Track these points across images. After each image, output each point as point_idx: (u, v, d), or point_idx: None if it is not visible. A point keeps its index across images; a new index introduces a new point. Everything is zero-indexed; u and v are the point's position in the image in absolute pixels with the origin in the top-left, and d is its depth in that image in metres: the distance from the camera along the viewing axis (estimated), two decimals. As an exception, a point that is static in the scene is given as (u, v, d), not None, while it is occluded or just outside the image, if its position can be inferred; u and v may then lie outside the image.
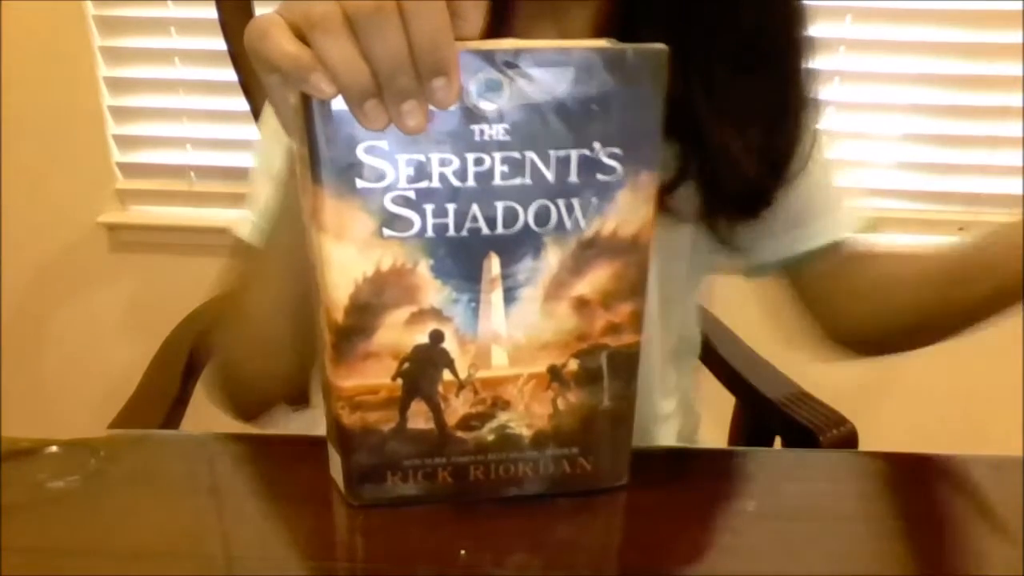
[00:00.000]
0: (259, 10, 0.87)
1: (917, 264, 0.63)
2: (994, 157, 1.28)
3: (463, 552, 0.40)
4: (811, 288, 0.67)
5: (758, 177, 0.56)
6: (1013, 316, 0.57)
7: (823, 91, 0.59)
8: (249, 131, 0.90)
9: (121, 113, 1.33)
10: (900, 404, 1.35)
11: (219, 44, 0.85)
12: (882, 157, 1.30)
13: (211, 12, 0.86)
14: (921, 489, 0.47)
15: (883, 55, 1.25)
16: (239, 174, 1.30)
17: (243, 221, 0.63)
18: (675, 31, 0.47)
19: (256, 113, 0.88)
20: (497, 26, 0.46)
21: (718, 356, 0.87)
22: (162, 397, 0.74)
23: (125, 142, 1.35)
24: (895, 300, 0.64)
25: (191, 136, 1.34)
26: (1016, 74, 1.22)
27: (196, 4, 1.24)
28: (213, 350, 0.59)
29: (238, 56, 0.85)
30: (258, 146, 0.64)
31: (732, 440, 0.88)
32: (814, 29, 0.56)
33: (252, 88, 0.86)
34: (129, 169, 1.36)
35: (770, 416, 0.77)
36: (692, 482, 0.48)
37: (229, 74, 0.86)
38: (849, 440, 0.71)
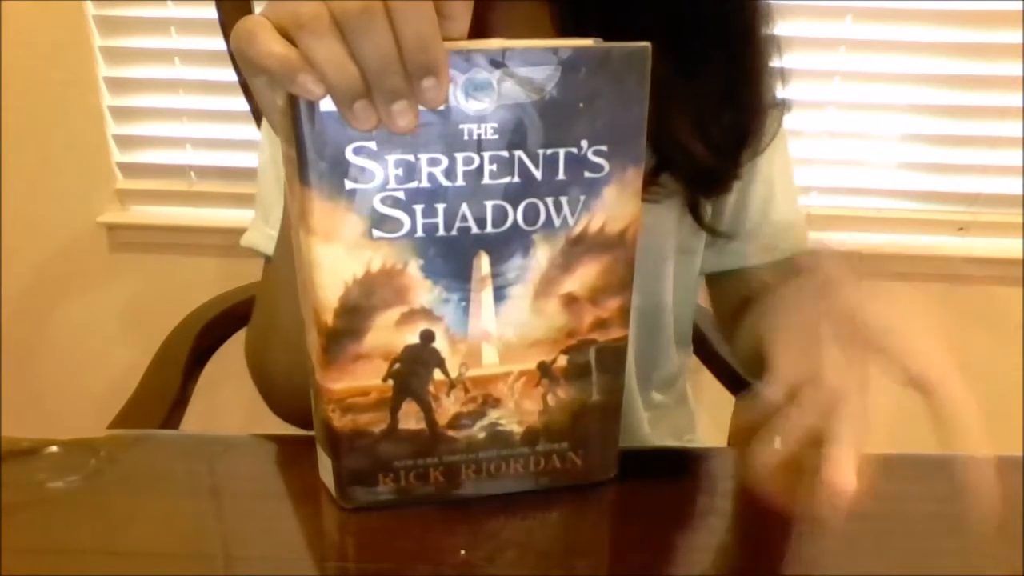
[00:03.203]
0: (259, 10, 0.87)
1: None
2: (994, 157, 1.28)
3: (463, 552, 0.40)
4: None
5: (709, 159, 0.56)
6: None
7: (784, 72, 0.59)
8: (249, 131, 0.90)
9: (121, 113, 1.33)
10: (900, 404, 1.35)
11: (219, 44, 0.85)
12: (882, 157, 1.30)
13: (211, 12, 0.86)
14: (921, 489, 0.47)
15: (883, 55, 1.25)
16: (239, 174, 1.32)
17: (253, 228, 0.63)
18: (616, 15, 0.47)
19: (256, 113, 0.88)
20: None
21: (718, 356, 0.86)
22: (162, 397, 0.74)
23: (125, 142, 1.35)
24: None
25: (191, 136, 1.34)
26: (1016, 74, 1.22)
27: (196, 4, 1.23)
28: (252, 360, 0.59)
29: (238, 56, 0.85)
30: (262, 149, 0.64)
31: (732, 440, 0.88)
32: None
33: (252, 88, 0.86)
34: (129, 169, 1.36)
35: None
36: (692, 482, 0.48)
37: (229, 74, 0.86)
38: (849, 440, 0.71)
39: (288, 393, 0.55)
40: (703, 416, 0.78)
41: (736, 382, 0.84)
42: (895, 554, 0.42)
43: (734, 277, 0.68)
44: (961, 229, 1.32)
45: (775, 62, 0.58)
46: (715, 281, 0.70)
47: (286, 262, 0.48)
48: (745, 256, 0.67)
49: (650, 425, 0.69)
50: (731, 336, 0.66)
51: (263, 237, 0.62)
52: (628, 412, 0.67)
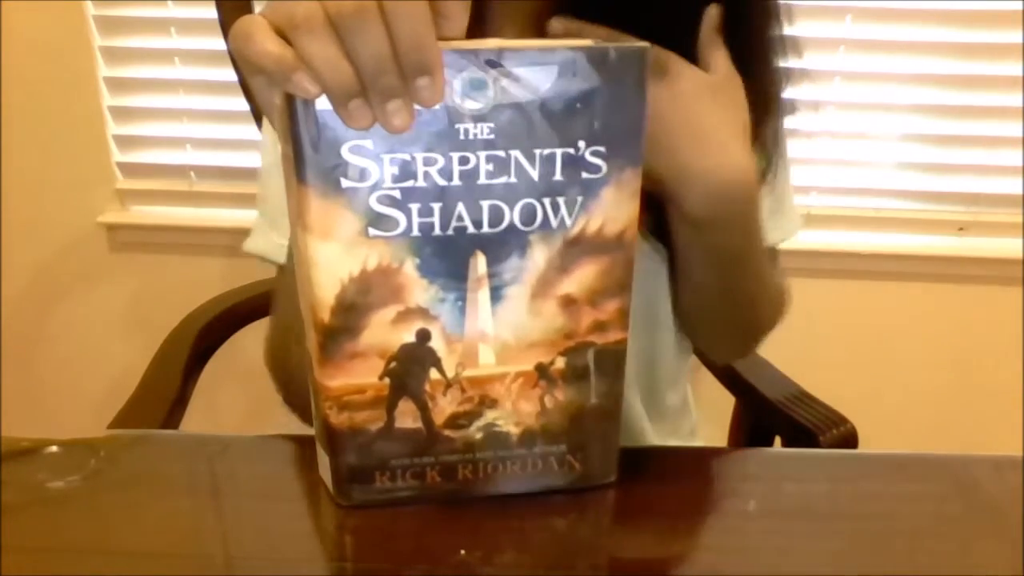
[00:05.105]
0: (259, 10, 0.87)
1: None
2: (994, 157, 1.28)
3: (463, 552, 0.40)
4: None
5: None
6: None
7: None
8: (249, 131, 0.90)
9: (121, 113, 1.33)
10: (900, 404, 1.35)
11: (219, 44, 0.86)
12: (882, 157, 1.30)
13: (211, 12, 0.86)
14: (921, 489, 0.47)
15: (883, 55, 1.24)
16: (239, 174, 1.32)
17: (258, 233, 0.62)
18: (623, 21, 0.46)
19: (256, 113, 0.88)
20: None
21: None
22: (162, 397, 0.74)
23: (125, 142, 1.35)
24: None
25: (191, 136, 1.34)
26: (1016, 74, 1.21)
27: (196, 4, 1.24)
28: (274, 356, 0.59)
29: (238, 56, 0.86)
30: (264, 151, 0.64)
31: (732, 440, 0.88)
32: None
33: (252, 88, 0.86)
34: (129, 169, 1.36)
35: (770, 416, 0.78)
36: (692, 482, 0.48)
37: (229, 74, 0.86)
38: (849, 440, 0.71)
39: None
40: (703, 416, 0.78)
41: (736, 382, 0.84)
42: (893, 554, 0.42)
43: None
44: (961, 229, 1.32)
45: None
46: None
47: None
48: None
49: (655, 435, 0.69)
50: None
51: (271, 245, 0.61)
52: (630, 421, 0.66)
